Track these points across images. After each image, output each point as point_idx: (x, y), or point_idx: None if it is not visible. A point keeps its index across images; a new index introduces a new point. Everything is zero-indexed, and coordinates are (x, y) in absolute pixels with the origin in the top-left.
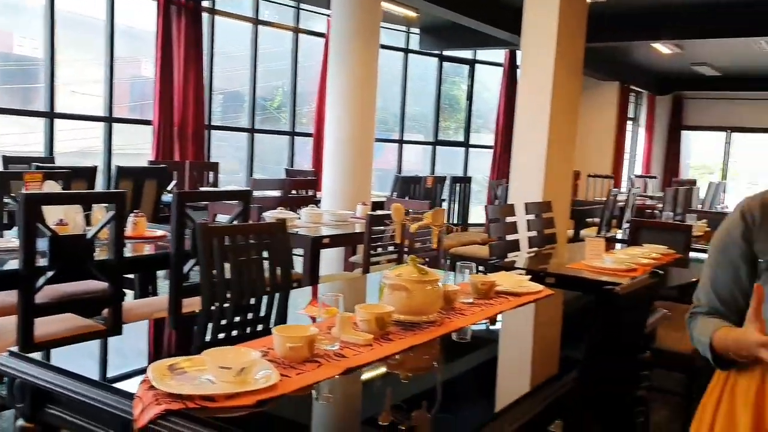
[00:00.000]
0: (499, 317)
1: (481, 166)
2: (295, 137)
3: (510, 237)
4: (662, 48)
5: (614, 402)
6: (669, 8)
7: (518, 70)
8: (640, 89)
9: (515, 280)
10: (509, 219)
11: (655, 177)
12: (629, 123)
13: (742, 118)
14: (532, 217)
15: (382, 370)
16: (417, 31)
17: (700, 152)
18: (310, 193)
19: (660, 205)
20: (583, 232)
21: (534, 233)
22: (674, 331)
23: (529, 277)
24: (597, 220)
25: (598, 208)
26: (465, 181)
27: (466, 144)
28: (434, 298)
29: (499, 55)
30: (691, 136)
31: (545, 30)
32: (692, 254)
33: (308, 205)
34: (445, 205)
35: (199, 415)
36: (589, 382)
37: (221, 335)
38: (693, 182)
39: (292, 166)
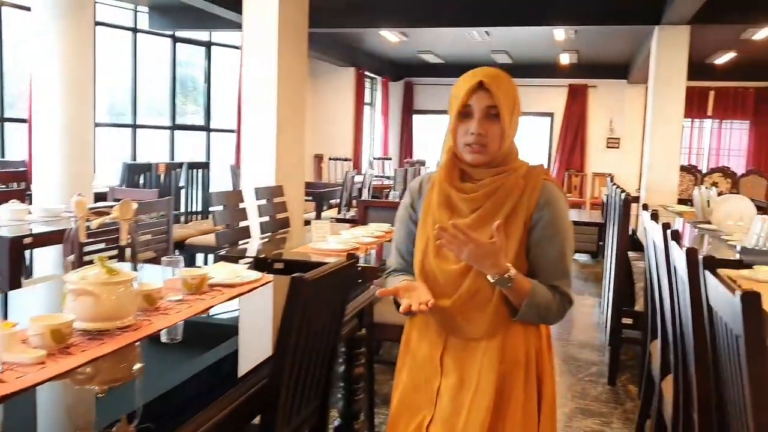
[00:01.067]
0: (211, 311)
1: (229, 150)
2: (5, 123)
3: (242, 224)
4: (390, 36)
5: (322, 383)
6: None
7: (241, 52)
8: (374, 75)
9: (231, 270)
10: (239, 205)
11: (390, 158)
12: (367, 107)
13: None
14: (263, 202)
15: (62, 388)
16: (146, 9)
17: (431, 134)
18: (22, 186)
19: None
20: (324, 214)
21: (266, 219)
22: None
23: (247, 265)
24: (338, 201)
25: (338, 189)
26: (203, 166)
27: (207, 128)
28: (127, 301)
29: (236, 37)
30: (422, 119)
31: (266, 12)
32: None
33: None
34: (183, 193)
35: None
36: (285, 369)
37: None
38: (423, 162)
39: (2, 157)
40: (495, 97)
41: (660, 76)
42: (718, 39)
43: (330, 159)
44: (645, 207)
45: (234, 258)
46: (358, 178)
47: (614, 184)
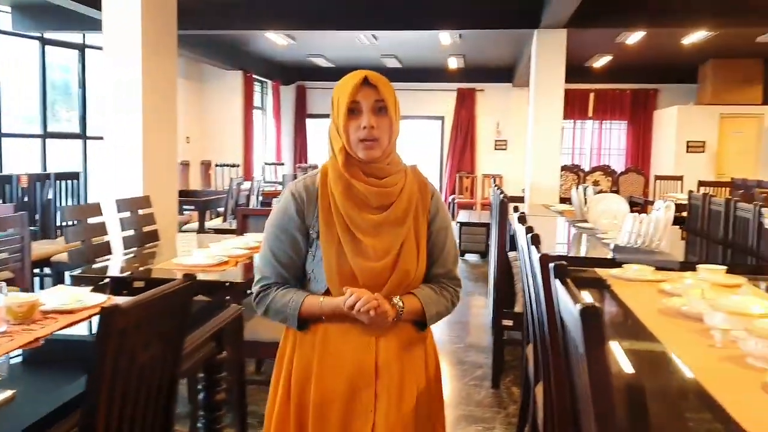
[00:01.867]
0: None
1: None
2: None
3: (98, 240)
4: (277, 38)
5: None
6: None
7: (103, 54)
8: (264, 79)
9: (71, 294)
10: (95, 219)
11: (284, 164)
12: (258, 112)
13: None
14: (126, 214)
15: None
16: (8, 9)
17: (325, 138)
18: None
19: None
20: (208, 224)
21: (130, 232)
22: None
23: (91, 288)
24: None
25: (224, 197)
26: (72, 177)
27: (83, 136)
28: None
29: None
30: (316, 122)
31: (128, 10)
32: None
33: None
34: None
35: None
36: (100, 414)
37: None
38: (315, 166)
39: None
40: (381, 92)
41: (540, 79)
42: (595, 43)
43: (217, 165)
44: (516, 209)
45: (86, 278)
46: (246, 185)
47: (496, 185)
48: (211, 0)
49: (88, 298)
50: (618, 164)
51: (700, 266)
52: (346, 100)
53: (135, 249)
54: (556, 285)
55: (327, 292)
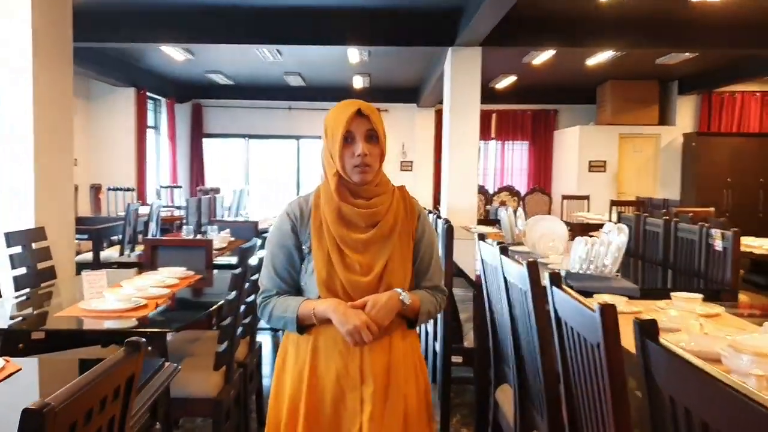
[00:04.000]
0: None
1: None
2: None
3: None
4: (173, 53)
5: None
6: (170, 10)
7: None
8: (158, 96)
9: None
10: None
11: (180, 186)
12: (151, 131)
13: (257, 126)
14: (17, 249)
15: None
16: None
17: (224, 159)
18: None
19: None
20: (104, 255)
21: (22, 270)
22: (196, 371)
23: None
24: (121, 238)
25: (120, 224)
26: None
27: None
28: None
29: None
30: (214, 143)
31: (16, 20)
32: (216, 271)
33: None
34: None
35: None
36: None
37: None
38: (217, 190)
39: None
40: (372, 122)
41: (455, 98)
42: (500, 63)
43: (109, 189)
44: (482, 237)
45: None
46: (143, 210)
47: (431, 211)
48: (102, 11)
49: None
50: (521, 184)
51: (675, 294)
52: (341, 130)
53: (28, 290)
54: (554, 291)
55: None
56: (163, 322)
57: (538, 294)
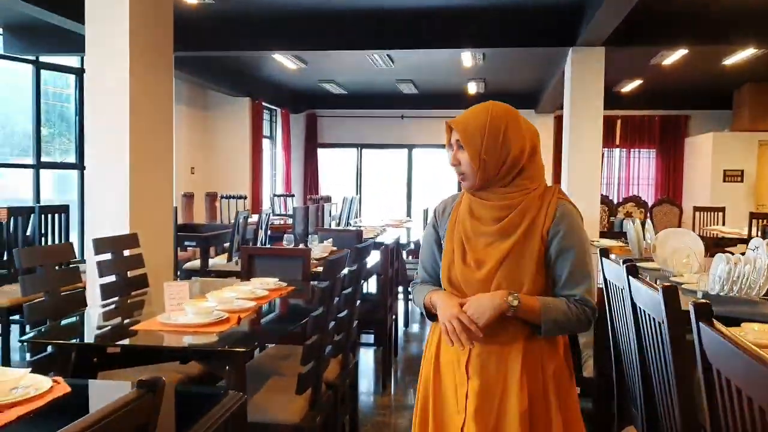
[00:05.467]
0: None
1: None
2: None
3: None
4: (286, 62)
5: None
6: (282, 18)
7: (85, 76)
8: (273, 106)
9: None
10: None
11: (293, 195)
12: (266, 141)
13: (369, 135)
14: (106, 256)
15: None
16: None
17: (337, 168)
18: None
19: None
20: (213, 262)
21: (111, 278)
22: (283, 397)
23: (29, 365)
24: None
25: (229, 232)
26: (60, 210)
27: (80, 166)
28: None
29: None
30: (327, 153)
31: (114, 27)
32: (314, 283)
33: None
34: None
35: None
36: None
37: None
38: (328, 199)
39: None
40: (458, 131)
41: (576, 101)
42: (625, 66)
43: (222, 197)
44: (605, 252)
45: (42, 344)
46: (254, 218)
47: None
48: (213, 18)
49: (24, 383)
50: (647, 194)
51: None
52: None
53: (117, 299)
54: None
55: None
56: (240, 339)
57: (678, 331)
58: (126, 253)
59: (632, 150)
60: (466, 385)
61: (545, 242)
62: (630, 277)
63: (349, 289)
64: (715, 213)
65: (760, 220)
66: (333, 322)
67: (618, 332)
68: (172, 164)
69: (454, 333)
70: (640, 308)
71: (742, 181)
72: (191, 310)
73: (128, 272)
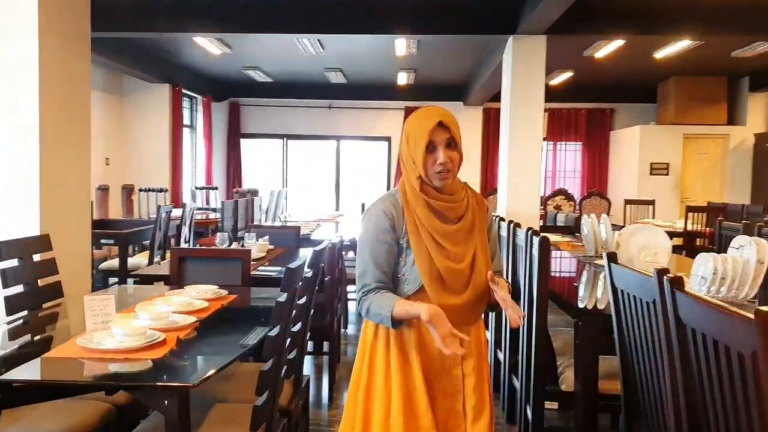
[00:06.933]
0: None
1: None
2: None
3: None
4: (209, 45)
5: None
6: None
7: None
8: (194, 94)
9: None
10: None
11: (216, 188)
12: (186, 130)
13: (295, 126)
14: (12, 263)
15: None
16: None
17: (261, 160)
18: None
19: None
20: (133, 261)
21: (18, 289)
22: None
23: None
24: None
25: (150, 228)
26: None
27: None
28: None
29: None
30: (251, 143)
31: (19, 3)
32: (254, 289)
33: None
34: None
35: None
36: None
37: None
38: (255, 192)
39: None
40: (451, 131)
41: (516, 92)
42: (559, 58)
43: (140, 190)
44: (613, 257)
45: None
46: (176, 213)
47: (513, 223)
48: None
49: None
50: (573, 187)
51: None
52: (424, 140)
53: (26, 313)
54: None
55: (419, 291)
56: (180, 368)
57: None
58: (35, 258)
59: (559, 143)
60: (460, 366)
61: (488, 231)
62: (677, 292)
63: (303, 299)
64: (646, 206)
65: (697, 214)
66: (288, 339)
67: (638, 352)
68: (89, 154)
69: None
70: (692, 329)
71: (668, 174)
72: (120, 331)
73: (39, 280)
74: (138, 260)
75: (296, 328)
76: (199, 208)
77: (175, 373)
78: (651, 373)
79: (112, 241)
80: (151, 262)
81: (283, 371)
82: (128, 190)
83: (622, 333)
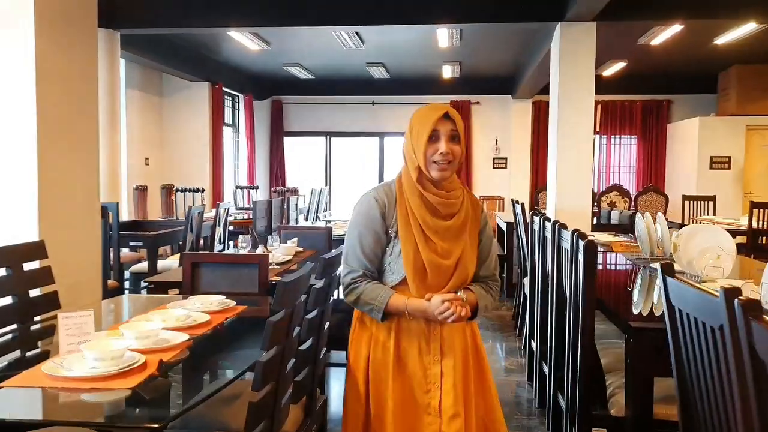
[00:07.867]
0: None
1: None
2: None
3: None
4: (246, 41)
5: None
6: None
7: None
8: (235, 92)
9: None
10: None
11: (257, 187)
12: (228, 129)
13: (339, 123)
14: (0, 272)
15: None
16: None
17: (305, 158)
18: None
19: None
20: (162, 264)
21: (7, 300)
22: None
23: None
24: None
25: (182, 230)
26: None
27: None
28: None
29: None
30: (294, 142)
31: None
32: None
33: None
34: None
35: None
36: None
37: None
38: (294, 190)
39: None
40: (456, 124)
41: (565, 83)
42: (611, 47)
43: (178, 190)
44: (669, 270)
45: None
46: (211, 214)
47: (542, 214)
48: None
49: None
50: (628, 183)
51: None
52: (428, 129)
53: (15, 327)
54: None
55: (402, 282)
56: (157, 401)
57: None
58: (27, 266)
59: (612, 137)
60: (439, 364)
61: (479, 234)
62: (752, 321)
63: (315, 312)
64: (706, 202)
65: (762, 210)
66: (293, 359)
67: (701, 380)
68: (97, 152)
69: (455, 311)
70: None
71: (729, 168)
72: (91, 355)
73: (30, 291)
74: (169, 263)
75: (305, 346)
76: (241, 208)
77: (145, 408)
78: (717, 405)
79: (141, 243)
80: (181, 264)
81: (287, 398)
82: (168, 190)
83: (681, 357)
